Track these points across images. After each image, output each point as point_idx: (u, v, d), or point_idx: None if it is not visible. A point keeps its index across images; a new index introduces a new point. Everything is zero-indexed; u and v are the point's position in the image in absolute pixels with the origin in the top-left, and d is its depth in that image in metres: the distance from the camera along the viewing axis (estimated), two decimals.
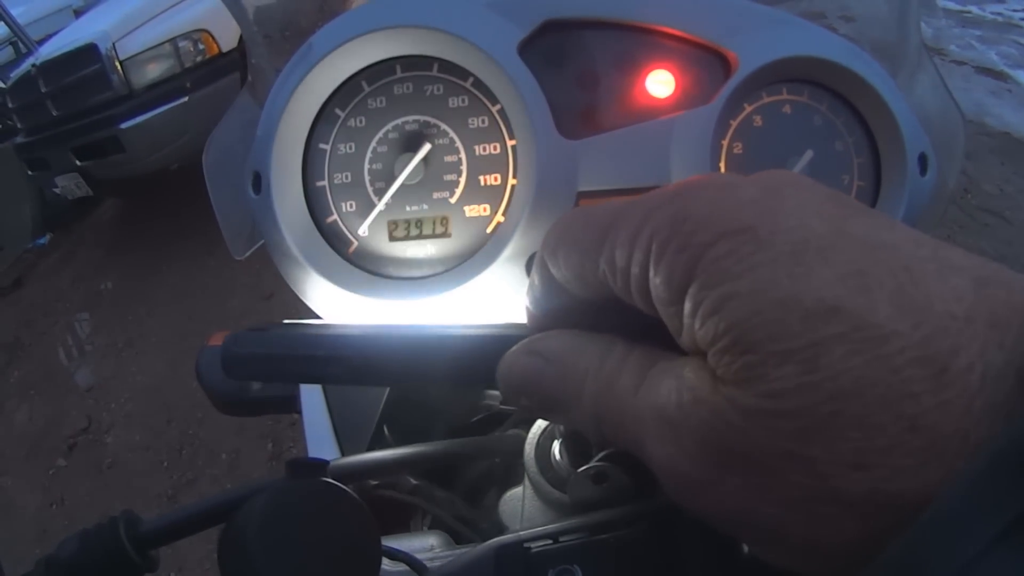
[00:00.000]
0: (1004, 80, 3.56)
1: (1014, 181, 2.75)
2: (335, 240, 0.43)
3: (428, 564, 0.37)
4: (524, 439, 0.42)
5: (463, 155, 0.42)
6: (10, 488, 2.54)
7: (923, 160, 0.43)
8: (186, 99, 3.28)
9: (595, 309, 0.23)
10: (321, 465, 0.31)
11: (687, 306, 0.18)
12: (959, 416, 0.15)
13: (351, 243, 0.43)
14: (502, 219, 0.41)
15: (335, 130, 0.43)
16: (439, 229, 0.42)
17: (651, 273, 0.19)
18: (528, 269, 0.39)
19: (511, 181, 0.41)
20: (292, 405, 0.70)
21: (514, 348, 0.25)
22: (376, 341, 0.32)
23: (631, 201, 0.21)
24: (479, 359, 0.29)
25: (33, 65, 3.50)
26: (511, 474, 0.53)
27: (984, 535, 0.13)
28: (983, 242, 2.42)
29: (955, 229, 2.48)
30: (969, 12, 4.48)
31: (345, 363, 0.31)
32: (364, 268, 0.43)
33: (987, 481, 0.14)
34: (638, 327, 0.22)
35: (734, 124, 0.42)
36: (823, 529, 0.16)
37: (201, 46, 3.33)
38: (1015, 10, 4.35)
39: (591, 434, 0.22)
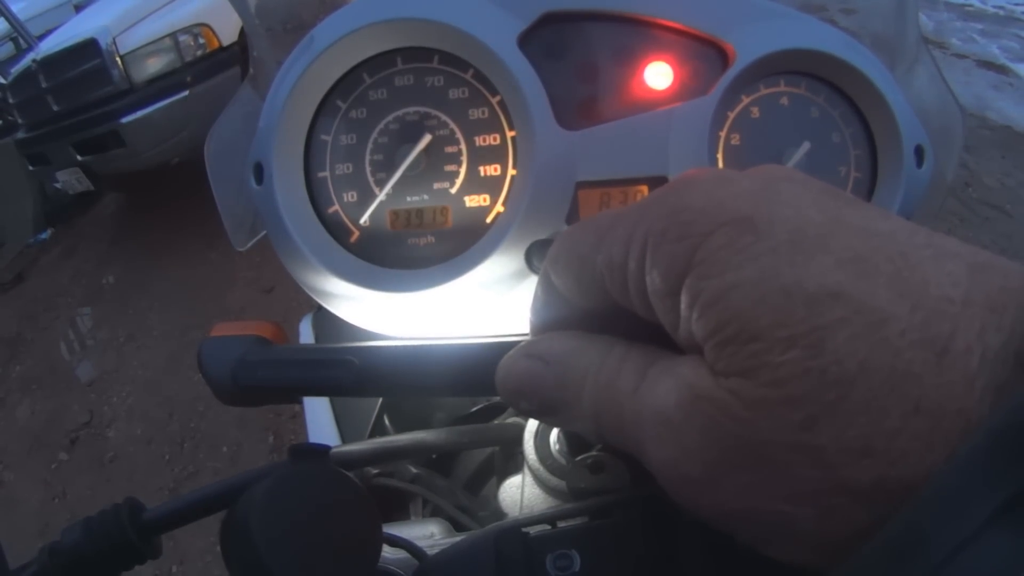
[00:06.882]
0: (1005, 74, 3.55)
1: (1015, 175, 2.75)
2: (337, 230, 0.43)
3: (428, 551, 0.38)
4: (523, 428, 0.42)
5: (463, 146, 0.42)
6: (12, 483, 2.55)
7: (919, 152, 0.43)
8: (187, 93, 3.27)
9: (595, 319, 0.23)
10: (323, 452, 0.31)
11: (684, 297, 0.18)
12: (961, 397, 0.15)
13: (352, 233, 0.43)
14: (502, 209, 0.42)
15: (336, 121, 0.43)
16: (439, 219, 0.42)
17: (648, 265, 0.19)
18: (528, 259, 0.40)
19: (511, 171, 0.42)
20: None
21: (512, 351, 0.24)
22: (376, 354, 0.32)
23: (628, 204, 0.21)
24: (478, 368, 0.29)
25: (33, 60, 3.49)
26: (510, 463, 0.54)
27: (981, 513, 0.13)
28: (983, 235, 2.41)
29: (955, 222, 2.48)
30: (971, 6, 4.47)
31: (346, 376, 0.32)
32: (365, 258, 0.43)
33: (984, 458, 0.14)
34: (637, 335, 0.22)
35: (731, 115, 0.43)
36: (831, 522, 0.16)
37: (201, 40, 3.33)
38: (1017, 4, 4.34)
39: (592, 436, 0.22)
